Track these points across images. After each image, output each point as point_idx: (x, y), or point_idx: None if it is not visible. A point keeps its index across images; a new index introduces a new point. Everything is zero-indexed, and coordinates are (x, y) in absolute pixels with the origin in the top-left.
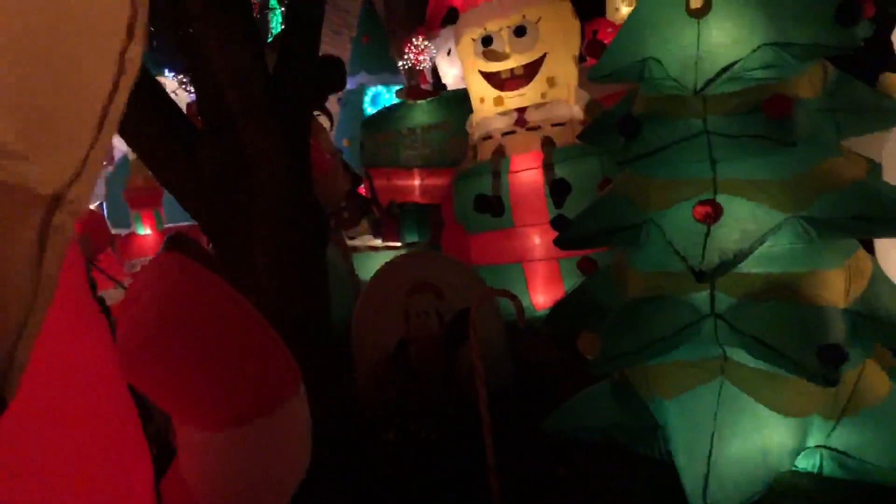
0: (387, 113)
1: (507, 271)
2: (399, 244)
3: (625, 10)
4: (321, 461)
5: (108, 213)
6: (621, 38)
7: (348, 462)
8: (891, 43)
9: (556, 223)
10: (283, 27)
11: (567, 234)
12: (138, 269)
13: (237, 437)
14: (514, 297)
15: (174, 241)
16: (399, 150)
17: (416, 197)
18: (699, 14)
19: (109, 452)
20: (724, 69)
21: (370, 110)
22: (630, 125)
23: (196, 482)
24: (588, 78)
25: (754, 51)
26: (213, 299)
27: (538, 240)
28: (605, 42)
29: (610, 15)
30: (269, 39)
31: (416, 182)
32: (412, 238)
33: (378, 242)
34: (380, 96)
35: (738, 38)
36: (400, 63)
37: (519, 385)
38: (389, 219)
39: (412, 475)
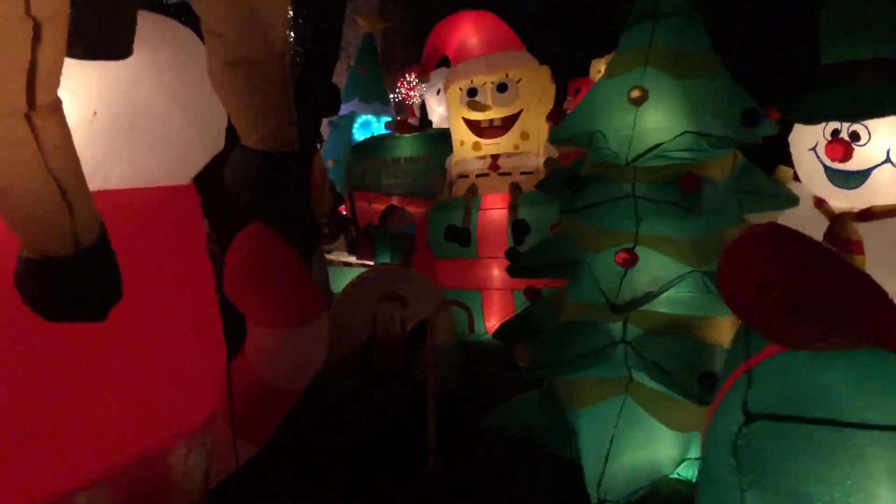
0: (375, 142)
1: (466, 296)
2: (371, 263)
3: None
4: (289, 437)
5: None
6: (577, 112)
7: (310, 439)
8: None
9: (509, 254)
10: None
11: (518, 264)
12: None
13: (288, 335)
14: (465, 308)
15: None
16: (382, 176)
17: None
18: (637, 103)
19: (198, 336)
20: (652, 148)
21: (358, 136)
22: (576, 182)
23: (257, 363)
24: (549, 141)
25: (678, 136)
26: (285, 250)
27: (497, 271)
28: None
29: (592, 76)
30: None
31: None
32: (384, 259)
33: (352, 259)
34: (369, 124)
35: (665, 124)
36: (391, 96)
37: (465, 390)
38: (365, 238)
39: (363, 452)
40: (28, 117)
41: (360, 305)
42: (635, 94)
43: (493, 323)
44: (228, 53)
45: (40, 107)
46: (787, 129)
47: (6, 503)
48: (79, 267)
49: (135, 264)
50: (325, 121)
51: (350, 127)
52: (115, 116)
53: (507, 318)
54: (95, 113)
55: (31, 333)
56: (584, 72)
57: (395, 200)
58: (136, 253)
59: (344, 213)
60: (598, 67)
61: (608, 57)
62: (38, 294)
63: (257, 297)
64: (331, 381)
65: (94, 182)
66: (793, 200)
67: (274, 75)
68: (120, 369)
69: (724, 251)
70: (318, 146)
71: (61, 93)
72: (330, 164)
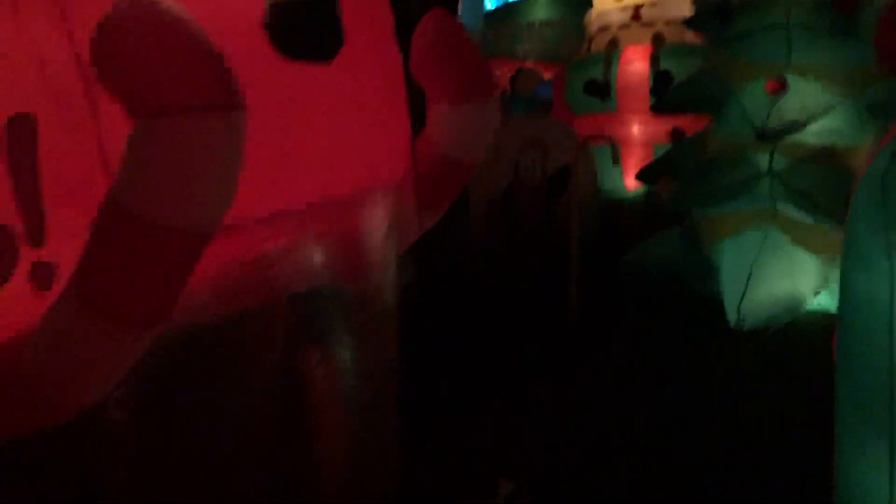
0: (508, 7)
1: (604, 152)
2: None
3: None
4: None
5: None
6: None
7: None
8: None
9: (657, 86)
10: None
11: (665, 100)
12: None
13: (466, 110)
14: (612, 141)
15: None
16: (516, 42)
17: None
18: None
19: (390, 108)
20: None
21: (491, 6)
22: (725, 11)
23: (437, 136)
24: None
25: None
26: (462, 32)
27: (637, 126)
28: None
29: None
30: None
31: None
32: None
33: None
34: None
35: None
36: None
37: (604, 238)
38: (500, 105)
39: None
40: None
41: (501, 153)
42: None
43: (631, 181)
44: None
45: None
46: None
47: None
48: (310, 10)
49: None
50: None
51: None
52: None
53: None
54: None
55: (275, 70)
56: None
57: (529, 65)
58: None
59: None
60: None
61: None
62: (279, 32)
63: (440, 75)
64: (473, 233)
65: None
66: None
67: None
68: (333, 113)
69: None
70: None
71: None
72: None
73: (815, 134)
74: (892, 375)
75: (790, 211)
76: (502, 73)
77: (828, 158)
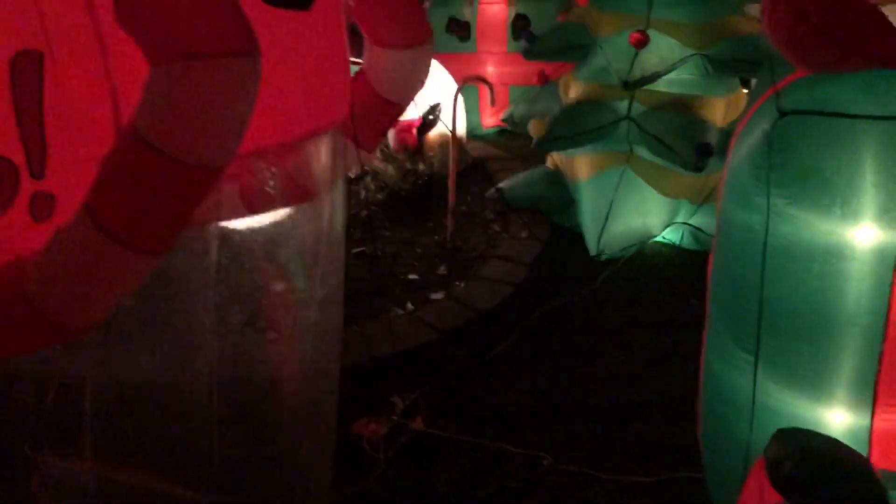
0: None
1: (464, 91)
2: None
3: None
4: None
5: None
6: None
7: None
8: None
9: (525, 35)
10: None
11: (533, 47)
12: None
13: (401, 55)
14: (488, 83)
15: None
16: None
17: None
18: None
19: (334, 57)
20: None
21: None
22: None
23: (374, 77)
24: None
25: None
26: None
27: (494, 67)
28: None
29: None
30: None
31: None
32: None
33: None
34: None
35: None
36: None
37: (467, 173)
38: None
39: (386, 214)
40: None
41: None
42: None
43: (488, 119)
44: None
45: None
46: None
47: None
48: None
49: None
50: None
51: None
52: None
53: (502, 113)
54: None
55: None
56: None
57: None
58: None
59: None
60: None
61: None
62: None
63: (379, 19)
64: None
65: None
66: None
67: None
68: (295, 58)
69: None
70: None
71: None
72: None
73: (669, 84)
74: (762, 297)
75: (644, 153)
76: None
77: (679, 106)
